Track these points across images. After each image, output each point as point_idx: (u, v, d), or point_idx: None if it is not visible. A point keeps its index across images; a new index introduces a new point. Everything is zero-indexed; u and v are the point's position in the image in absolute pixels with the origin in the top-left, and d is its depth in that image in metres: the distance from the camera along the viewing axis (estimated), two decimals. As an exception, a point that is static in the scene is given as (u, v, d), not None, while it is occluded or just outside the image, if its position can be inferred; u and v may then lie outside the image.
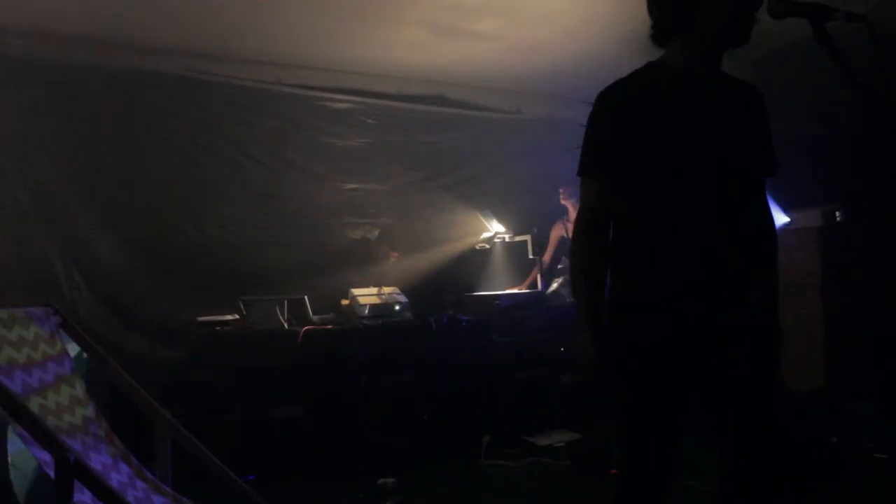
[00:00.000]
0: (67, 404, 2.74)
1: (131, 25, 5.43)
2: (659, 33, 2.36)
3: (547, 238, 6.80)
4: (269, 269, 6.00)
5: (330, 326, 5.41)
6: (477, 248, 6.88)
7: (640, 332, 2.28)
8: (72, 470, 2.20)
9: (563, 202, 6.63)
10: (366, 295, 5.65)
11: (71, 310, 5.09)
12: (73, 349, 3.16)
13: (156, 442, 3.15)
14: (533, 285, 6.59)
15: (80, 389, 2.90)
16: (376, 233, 6.73)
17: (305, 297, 5.47)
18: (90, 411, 2.87)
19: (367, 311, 5.52)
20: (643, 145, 2.23)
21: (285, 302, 5.36)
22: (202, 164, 6.06)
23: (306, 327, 5.24)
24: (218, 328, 5.18)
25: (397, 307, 5.65)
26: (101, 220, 5.64)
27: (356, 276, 6.10)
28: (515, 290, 6.57)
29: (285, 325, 5.25)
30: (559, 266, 6.86)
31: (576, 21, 5.47)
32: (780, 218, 5.89)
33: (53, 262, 5.42)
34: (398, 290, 5.83)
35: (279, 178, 6.39)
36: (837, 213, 5.76)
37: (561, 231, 6.77)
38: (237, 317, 5.29)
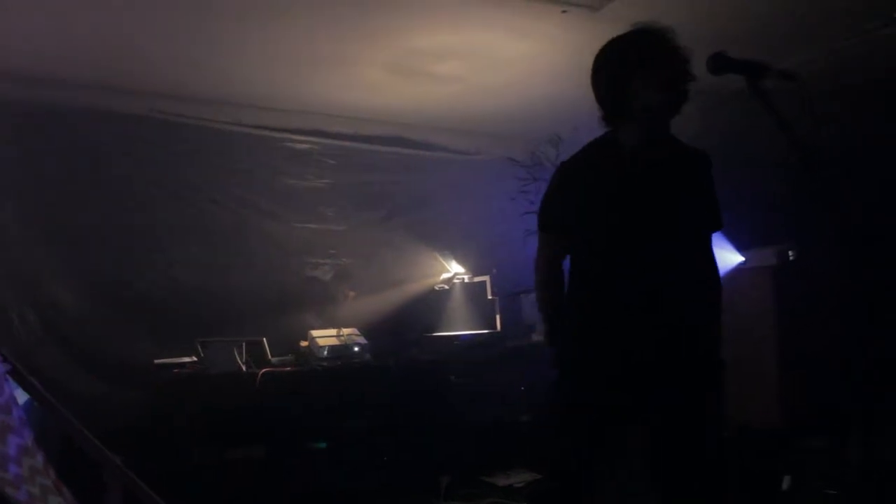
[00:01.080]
0: (14, 455, 2.70)
1: (90, 65, 5.41)
2: (606, 119, 2.71)
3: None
4: (228, 310, 5.95)
5: (289, 368, 5.40)
6: (436, 288, 6.90)
7: (590, 372, 2.58)
8: (16, 523, 2.16)
9: None
10: (324, 336, 5.64)
11: (26, 353, 5.01)
12: (23, 395, 3.12)
13: (107, 490, 3.11)
14: (493, 325, 6.61)
15: (27, 439, 2.86)
16: (331, 274, 6.73)
17: (264, 339, 5.45)
18: (38, 461, 2.82)
19: (325, 353, 5.52)
20: (597, 213, 2.59)
21: (243, 344, 5.32)
22: (161, 204, 6.02)
23: (265, 369, 5.21)
24: (175, 371, 5.15)
25: (356, 348, 5.65)
26: (60, 262, 5.57)
27: (315, 316, 6.10)
28: (474, 332, 6.58)
29: (243, 368, 5.22)
30: None
31: (535, 66, 5.57)
32: (735, 258, 5.97)
33: (8, 304, 5.33)
34: (357, 332, 5.83)
35: (238, 218, 6.36)
36: (790, 252, 5.85)
37: None
38: (195, 359, 5.25)
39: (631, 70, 2.59)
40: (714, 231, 2.74)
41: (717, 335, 2.64)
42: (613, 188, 2.60)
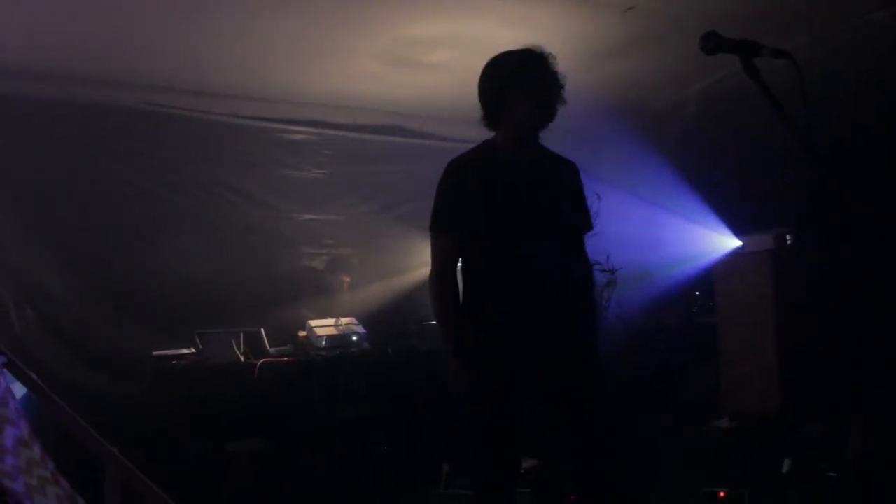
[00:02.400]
0: (11, 446, 2.69)
1: (85, 57, 5.40)
2: (485, 123, 3.05)
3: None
4: (226, 301, 5.93)
5: (287, 359, 5.39)
6: (435, 277, 6.87)
7: (478, 363, 2.81)
8: (13, 514, 2.16)
9: None
10: (322, 326, 5.63)
11: (23, 346, 5.02)
12: (21, 388, 3.11)
13: (105, 481, 3.10)
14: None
15: (24, 431, 2.85)
16: (329, 263, 6.73)
17: (262, 329, 5.45)
18: (35, 452, 2.81)
19: (324, 343, 5.51)
20: (474, 210, 2.90)
21: (241, 335, 5.32)
22: (158, 196, 6.03)
23: (263, 360, 5.21)
24: (174, 362, 5.15)
25: (354, 338, 5.64)
26: (55, 255, 5.57)
27: (313, 307, 6.08)
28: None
29: (241, 359, 5.22)
30: None
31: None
32: (732, 242, 5.97)
33: (4, 298, 5.34)
34: (356, 321, 5.82)
35: (235, 210, 6.37)
36: (788, 237, 5.85)
37: None
38: (193, 350, 5.25)
39: (508, 84, 2.92)
40: (584, 231, 3.08)
41: (589, 324, 2.95)
42: (487, 187, 2.92)
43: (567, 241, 2.99)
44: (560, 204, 2.96)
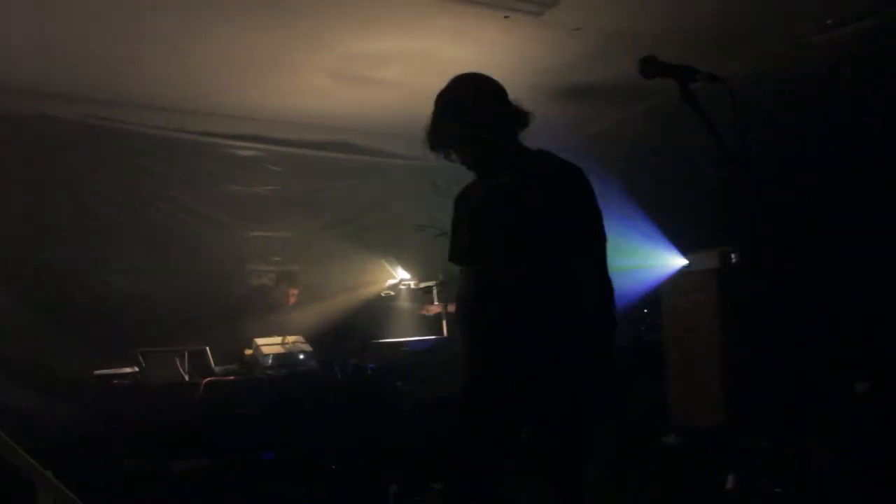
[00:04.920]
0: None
1: (28, 69, 5.32)
2: None
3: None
4: (171, 319, 5.87)
5: (232, 377, 5.32)
6: (382, 295, 6.87)
7: (479, 377, 2.83)
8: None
9: None
10: (269, 344, 5.57)
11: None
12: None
13: (38, 504, 3.03)
14: (439, 331, 6.58)
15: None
16: (276, 280, 6.67)
17: (207, 347, 5.37)
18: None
19: (270, 361, 5.45)
20: (462, 242, 2.96)
21: (185, 353, 5.24)
22: (100, 212, 5.95)
23: (208, 379, 5.13)
24: (115, 381, 5.05)
25: (301, 356, 5.59)
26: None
27: (259, 324, 6.02)
28: (420, 338, 6.55)
29: (186, 377, 5.13)
30: None
31: (474, 70, 5.57)
32: (679, 261, 6.04)
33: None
34: (302, 339, 5.77)
35: (181, 226, 6.31)
36: (733, 255, 5.93)
37: None
38: (136, 369, 5.15)
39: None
40: (590, 239, 2.82)
41: (573, 341, 2.79)
42: (471, 217, 2.94)
43: (553, 260, 2.81)
44: (551, 220, 2.79)
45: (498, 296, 2.82)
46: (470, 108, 2.87)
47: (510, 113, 2.90)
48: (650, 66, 2.07)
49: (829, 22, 5.20)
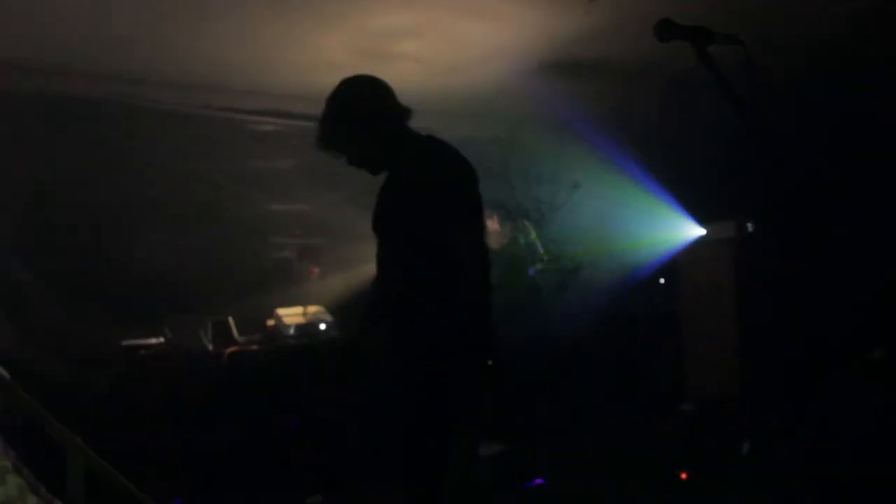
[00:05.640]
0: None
1: (52, 49, 5.35)
2: None
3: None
4: (195, 291, 5.94)
5: (255, 347, 5.40)
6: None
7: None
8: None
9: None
10: (291, 315, 5.65)
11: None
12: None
13: (68, 470, 3.09)
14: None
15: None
16: (297, 253, 6.74)
17: (230, 318, 5.45)
18: (-4, 442, 2.82)
19: (292, 331, 5.52)
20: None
21: (210, 324, 5.33)
22: (125, 188, 6.00)
23: (231, 349, 5.22)
24: (143, 352, 5.15)
25: (322, 326, 5.66)
26: (20, 246, 5.53)
27: (282, 297, 6.09)
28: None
29: (210, 347, 5.23)
30: None
31: (492, 45, 5.61)
32: (695, 230, 6.06)
33: (-32, 290, 5.30)
34: (324, 309, 5.83)
35: (204, 200, 6.36)
36: (749, 225, 5.94)
37: None
38: (162, 340, 5.25)
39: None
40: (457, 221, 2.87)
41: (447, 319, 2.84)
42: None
43: (425, 241, 2.91)
44: (406, 211, 2.95)
45: (383, 277, 3.07)
46: (350, 109, 3.02)
47: (389, 111, 3.04)
48: (666, 30, 2.07)
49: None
